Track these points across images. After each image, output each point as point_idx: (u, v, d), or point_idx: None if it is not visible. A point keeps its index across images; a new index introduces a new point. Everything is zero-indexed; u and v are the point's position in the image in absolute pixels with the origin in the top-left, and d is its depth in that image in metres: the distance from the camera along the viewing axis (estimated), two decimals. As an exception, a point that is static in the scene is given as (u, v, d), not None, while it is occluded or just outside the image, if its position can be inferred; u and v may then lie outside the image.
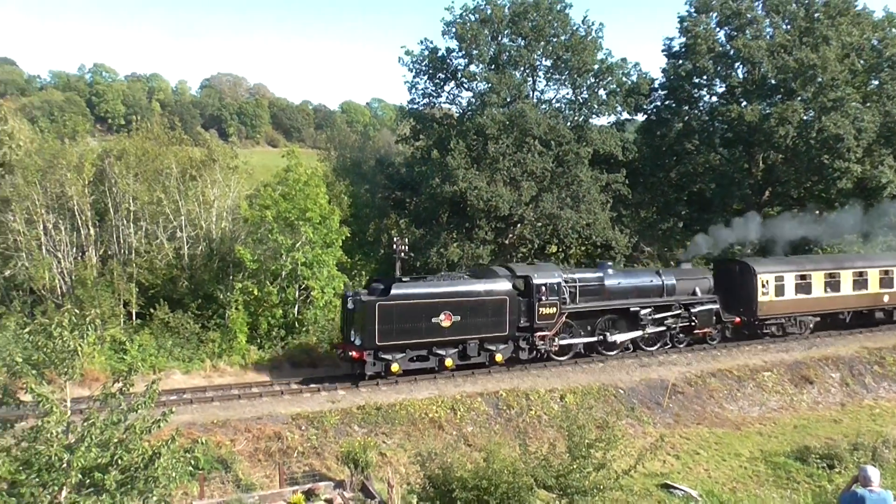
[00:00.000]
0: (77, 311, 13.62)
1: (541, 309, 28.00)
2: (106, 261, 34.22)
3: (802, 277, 34.72)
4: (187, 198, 35.64)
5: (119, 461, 12.84)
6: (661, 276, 31.68)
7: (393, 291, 25.81)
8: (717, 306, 32.67)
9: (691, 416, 27.27)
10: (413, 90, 42.71)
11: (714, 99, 46.27)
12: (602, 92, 42.46)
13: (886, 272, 37.23)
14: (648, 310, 30.74)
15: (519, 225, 40.58)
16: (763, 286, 33.43)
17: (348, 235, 34.97)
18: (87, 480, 12.73)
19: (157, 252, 34.75)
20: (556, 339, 28.91)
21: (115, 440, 13.08)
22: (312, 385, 26.08)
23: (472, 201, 37.40)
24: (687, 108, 46.00)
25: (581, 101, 42.20)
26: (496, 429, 24.40)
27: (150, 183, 35.55)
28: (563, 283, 28.65)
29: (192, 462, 14.40)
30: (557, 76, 42.40)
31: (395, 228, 43.69)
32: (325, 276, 32.63)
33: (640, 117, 47.70)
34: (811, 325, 35.90)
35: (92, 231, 34.09)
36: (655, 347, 31.55)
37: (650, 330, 30.91)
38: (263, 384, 26.52)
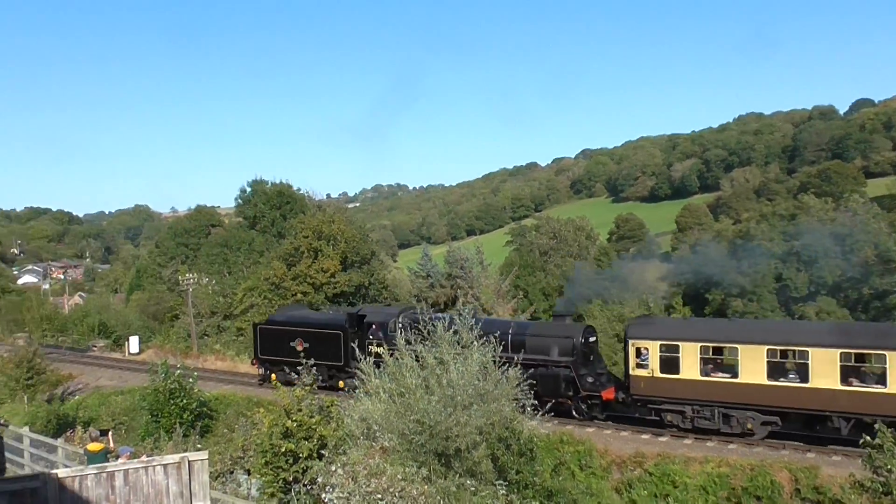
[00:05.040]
0: None
1: (369, 347, 27.61)
2: None
3: (719, 351, 24.32)
4: None
5: None
6: (510, 329, 28.42)
7: (270, 318, 34.70)
8: (569, 372, 26.93)
9: None
10: None
11: None
12: None
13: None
14: None
15: None
16: (639, 356, 25.28)
17: None
18: None
19: None
20: None
21: None
22: None
23: None
24: None
25: None
26: None
27: None
28: (404, 325, 27.51)
29: None
30: None
31: None
32: None
33: None
34: (751, 427, 23.70)
35: None
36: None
37: None
38: None
